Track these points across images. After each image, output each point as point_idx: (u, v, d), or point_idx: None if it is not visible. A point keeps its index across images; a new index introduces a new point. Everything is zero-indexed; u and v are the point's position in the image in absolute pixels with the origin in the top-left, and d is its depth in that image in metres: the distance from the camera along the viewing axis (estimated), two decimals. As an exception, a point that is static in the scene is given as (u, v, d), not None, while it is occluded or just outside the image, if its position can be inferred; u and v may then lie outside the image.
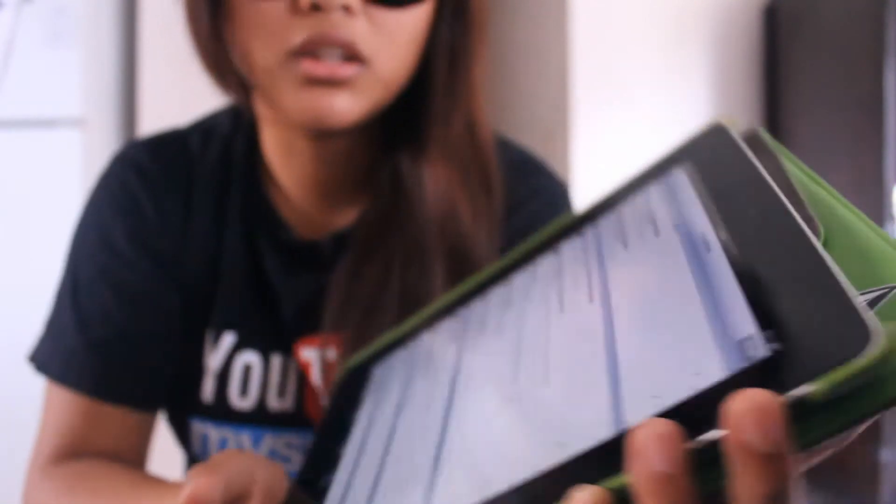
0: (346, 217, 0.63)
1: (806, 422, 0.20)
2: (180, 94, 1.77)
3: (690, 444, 0.21)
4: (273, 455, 0.61)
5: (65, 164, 1.79)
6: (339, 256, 0.61)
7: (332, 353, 0.60)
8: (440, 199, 0.59)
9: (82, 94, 1.82)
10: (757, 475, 0.20)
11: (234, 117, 0.66)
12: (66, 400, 0.59)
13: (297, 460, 0.61)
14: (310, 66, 0.52)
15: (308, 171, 0.61)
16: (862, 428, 0.21)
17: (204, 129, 0.67)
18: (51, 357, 0.61)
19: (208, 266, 0.63)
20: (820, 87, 2.26)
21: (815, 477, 2.43)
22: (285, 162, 0.62)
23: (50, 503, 0.55)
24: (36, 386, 0.63)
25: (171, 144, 0.66)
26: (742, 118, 2.40)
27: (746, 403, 0.20)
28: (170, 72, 1.82)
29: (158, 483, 0.53)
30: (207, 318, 0.63)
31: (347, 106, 0.54)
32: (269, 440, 0.62)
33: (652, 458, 0.20)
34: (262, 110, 0.61)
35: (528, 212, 0.62)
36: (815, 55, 2.28)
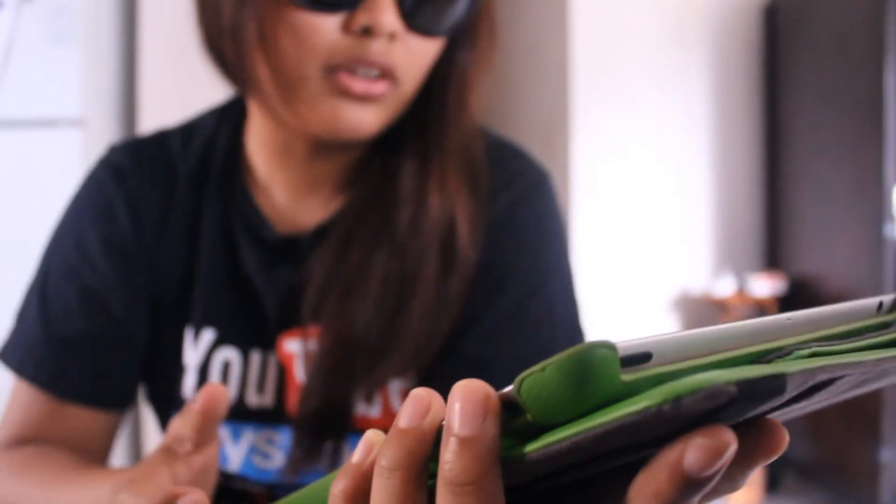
0: (326, 211, 0.64)
1: (528, 433, 0.21)
2: (180, 94, 1.78)
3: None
4: (253, 451, 0.62)
5: (65, 164, 1.79)
6: (318, 249, 0.62)
7: (312, 345, 0.60)
8: (441, 198, 0.60)
9: (82, 94, 1.82)
10: (450, 457, 0.21)
11: (218, 117, 0.68)
12: (26, 391, 0.61)
13: (277, 456, 0.62)
14: (348, 81, 0.55)
15: (302, 168, 0.62)
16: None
17: (186, 129, 0.69)
18: (13, 348, 0.63)
19: (186, 264, 0.64)
20: (820, 87, 2.26)
21: (816, 477, 2.44)
22: (277, 160, 0.63)
23: None
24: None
25: (151, 145, 0.67)
26: (742, 118, 2.40)
27: (459, 387, 0.22)
28: (170, 72, 1.82)
29: (97, 471, 0.54)
30: (186, 315, 0.64)
31: (374, 120, 0.57)
32: (249, 436, 0.62)
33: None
34: (259, 110, 0.61)
35: (507, 197, 0.63)
36: (815, 55, 2.29)
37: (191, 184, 0.65)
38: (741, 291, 2.23)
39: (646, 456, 0.20)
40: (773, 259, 2.38)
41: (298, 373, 0.61)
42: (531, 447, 0.21)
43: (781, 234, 2.36)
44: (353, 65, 0.54)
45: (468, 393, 0.22)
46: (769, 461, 0.22)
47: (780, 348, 0.22)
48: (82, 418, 0.61)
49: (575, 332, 0.62)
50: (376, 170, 0.62)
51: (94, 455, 0.62)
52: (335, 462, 0.60)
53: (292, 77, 0.56)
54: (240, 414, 0.62)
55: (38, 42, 1.81)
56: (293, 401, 0.62)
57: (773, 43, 2.39)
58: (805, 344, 0.23)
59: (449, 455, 0.22)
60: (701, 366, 0.21)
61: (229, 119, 0.68)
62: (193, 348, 0.64)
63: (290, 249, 0.64)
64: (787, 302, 2.23)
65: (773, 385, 0.19)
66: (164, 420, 0.67)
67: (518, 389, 0.21)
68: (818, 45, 2.23)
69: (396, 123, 0.61)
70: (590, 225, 2.04)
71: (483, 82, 0.63)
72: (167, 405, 0.65)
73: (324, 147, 0.62)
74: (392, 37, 0.54)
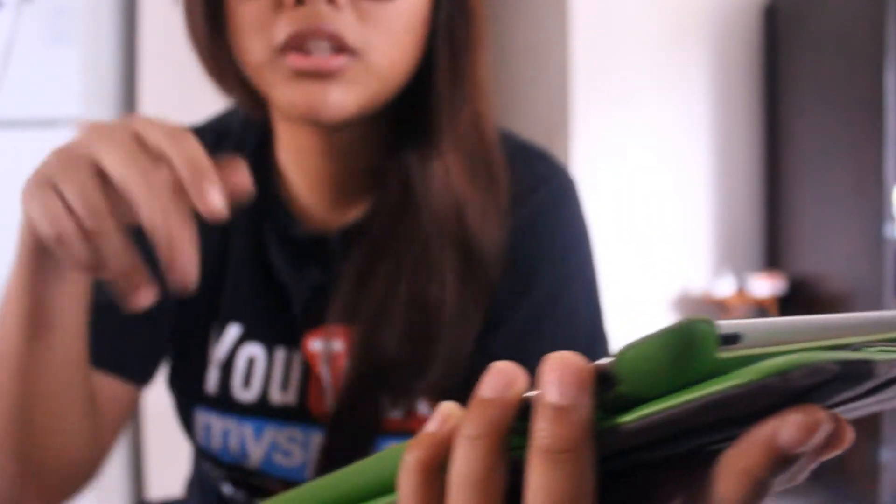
0: (353, 212, 0.63)
1: (621, 405, 0.22)
2: (180, 95, 1.78)
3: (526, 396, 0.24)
4: (274, 448, 0.62)
5: (65, 164, 1.79)
6: (347, 250, 0.61)
7: (338, 345, 0.60)
8: (447, 197, 0.59)
9: (82, 94, 1.82)
10: (545, 426, 0.22)
11: (245, 116, 0.67)
12: None
13: (298, 455, 0.62)
14: (296, 60, 0.52)
15: (317, 166, 0.62)
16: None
17: (216, 129, 0.68)
18: None
19: (216, 259, 0.64)
20: (820, 87, 2.26)
21: (816, 477, 2.43)
22: (295, 158, 0.63)
23: None
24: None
25: None
26: (742, 118, 2.40)
27: (553, 359, 0.22)
28: (170, 72, 1.82)
29: None
30: (213, 309, 0.63)
31: (341, 98, 0.53)
32: (271, 433, 0.62)
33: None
34: (274, 110, 0.61)
35: (533, 202, 0.63)
36: (815, 55, 2.29)
37: None
38: (741, 291, 2.23)
39: (718, 440, 0.21)
40: (773, 259, 2.38)
41: (323, 372, 0.61)
42: (626, 418, 0.22)
43: (781, 234, 2.36)
44: (298, 41, 0.51)
45: (564, 364, 0.22)
46: (832, 456, 0.22)
47: (851, 344, 0.23)
48: (102, 385, 0.61)
49: (596, 337, 0.62)
50: (395, 172, 0.61)
51: (108, 426, 0.62)
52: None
53: (254, 68, 0.55)
54: (263, 411, 0.62)
55: (38, 42, 1.81)
56: (316, 399, 0.62)
57: (773, 43, 2.39)
58: (873, 344, 0.23)
59: (543, 423, 0.22)
60: (786, 352, 0.21)
61: (255, 118, 0.67)
62: (218, 342, 0.63)
63: (318, 249, 0.63)
64: (787, 302, 2.23)
65: (866, 368, 0.20)
66: (184, 413, 0.67)
67: (617, 361, 0.22)
68: (818, 45, 2.23)
69: (406, 118, 0.60)
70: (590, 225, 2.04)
71: (487, 71, 0.61)
72: (189, 398, 0.65)
73: (332, 143, 0.61)
74: (333, 2, 0.51)
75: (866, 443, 2.03)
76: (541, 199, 0.63)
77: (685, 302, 2.27)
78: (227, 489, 0.66)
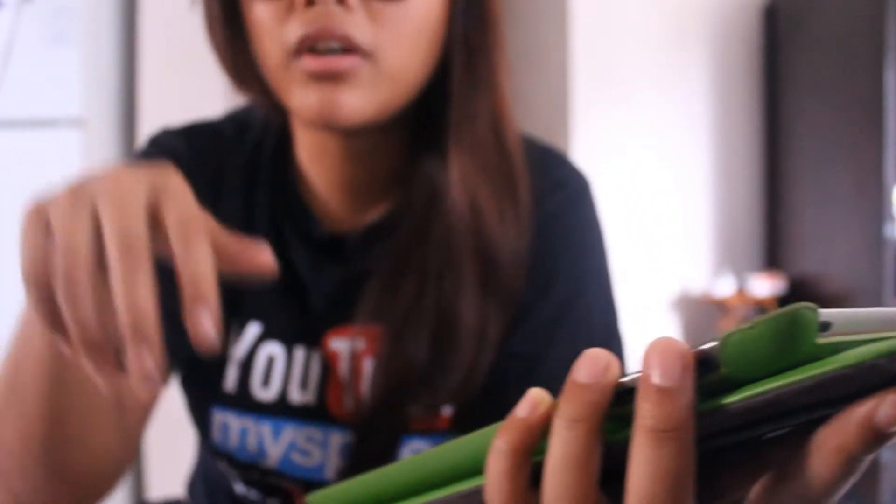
0: (373, 213, 0.63)
1: (722, 388, 0.23)
2: (180, 94, 1.78)
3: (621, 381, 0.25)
4: (293, 447, 0.62)
5: (65, 164, 1.79)
6: (367, 251, 0.62)
7: (360, 344, 0.60)
8: (464, 201, 0.59)
9: (82, 94, 1.82)
10: (650, 407, 0.23)
11: (265, 117, 0.67)
12: None
13: (316, 454, 0.62)
14: (308, 62, 0.52)
15: (337, 169, 0.62)
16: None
17: (239, 121, 0.68)
18: None
19: None
20: (820, 87, 2.26)
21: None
22: (316, 160, 0.63)
23: None
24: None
25: (205, 134, 0.66)
26: (742, 118, 2.40)
27: (657, 343, 0.23)
28: (170, 71, 1.82)
29: None
30: (233, 307, 0.63)
31: (353, 101, 0.53)
32: (290, 432, 0.62)
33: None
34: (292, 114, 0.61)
35: (551, 205, 0.63)
36: (815, 55, 2.29)
37: (241, 179, 0.65)
38: (741, 291, 2.23)
39: (822, 414, 0.23)
40: (773, 259, 2.38)
41: (343, 371, 0.61)
42: (732, 398, 0.23)
43: (781, 234, 2.36)
44: (310, 43, 0.52)
45: (666, 348, 0.23)
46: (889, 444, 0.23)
47: None
48: (127, 386, 0.61)
49: (612, 338, 0.63)
50: (421, 173, 0.61)
51: (134, 425, 0.61)
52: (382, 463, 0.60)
53: (270, 71, 0.55)
54: (282, 410, 0.62)
55: (38, 42, 1.81)
56: (336, 399, 0.62)
57: (773, 43, 2.39)
58: None
59: (649, 405, 0.23)
60: (874, 339, 0.23)
61: (278, 118, 0.67)
62: (238, 341, 0.63)
63: (338, 249, 0.63)
64: (788, 302, 2.23)
65: None
66: (199, 412, 0.66)
67: (723, 345, 0.23)
68: (818, 45, 2.23)
69: (426, 122, 0.60)
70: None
71: (506, 74, 0.61)
72: (206, 396, 0.64)
73: (352, 146, 0.61)
74: (343, 3, 0.51)
75: None
76: (558, 203, 0.63)
77: (685, 302, 2.27)
78: (239, 488, 0.65)
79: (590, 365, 0.25)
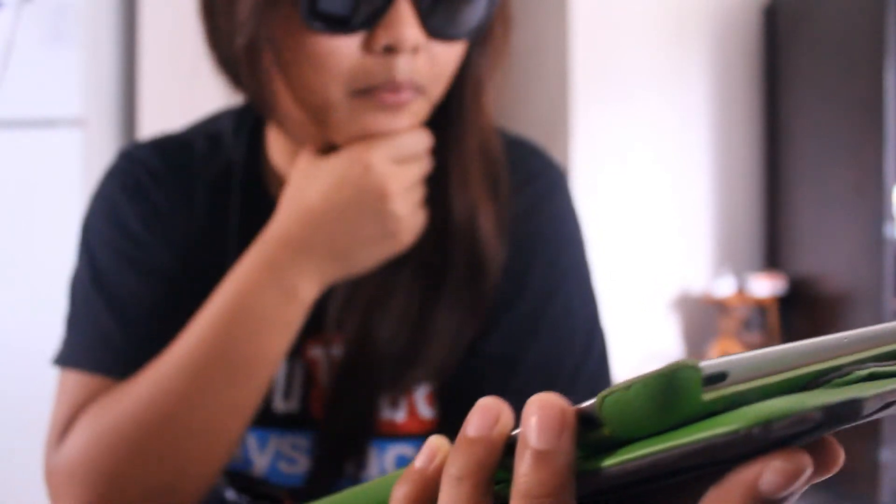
0: None
1: (604, 445, 0.22)
2: (180, 94, 1.77)
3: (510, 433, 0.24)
4: (279, 456, 0.62)
5: (65, 164, 1.79)
6: None
7: (337, 351, 0.60)
8: (464, 210, 0.59)
9: (82, 94, 1.82)
10: (525, 471, 0.22)
11: (237, 119, 0.66)
12: (93, 382, 0.58)
13: (302, 462, 0.61)
14: (387, 98, 0.53)
15: None
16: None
17: (209, 133, 0.67)
18: (85, 350, 0.60)
19: (210, 270, 0.63)
20: (820, 87, 2.26)
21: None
22: (293, 162, 0.62)
23: (93, 427, 0.55)
24: (29, 380, 0.62)
25: (175, 148, 0.66)
26: (742, 118, 2.40)
27: (536, 400, 0.22)
28: (170, 71, 1.82)
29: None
30: None
31: (402, 127, 0.56)
32: (275, 442, 0.62)
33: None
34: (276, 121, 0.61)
35: (524, 198, 0.63)
36: (815, 55, 2.29)
37: (214, 191, 0.64)
38: (741, 291, 2.23)
39: (709, 470, 0.21)
40: (773, 259, 2.38)
41: (323, 378, 0.61)
42: (610, 461, 0.22)
43: (781, 234, 2.36)
44: (384, 90, 0.53)
45: (545, 407, 0.22)
46: (823, 478, 0.23)
47: (838, 367, 0.23)
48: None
49: (594, 330, 0.63)
50: None
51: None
52: (360, 466, 0.60)
53: (317, 103, 0.55)
54: (266, 420, 0.62)
55: (38, 42, 1.81)
56: (318, 406, 0.61)
57: (773, 43, 2.39)
58: (863, 363, 0.23)
59: (525, 468, 0.22)
60: (770, 384, 0.22)
61: (247, 124, 0.67)
62: None
63: None
64: (787, 302, 2.23)
65: (852, 409, 0.20)
66: None
67: (600, 406, 0.22)
68: (818, 45, 2.23)
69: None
70: (589, 225, 2.04)
71: (497, 82, 0.62)
72: None
73: None
74: (415, 50, 0.53)
75: (866, 443, 2.03)
76: (532, 195, 0.63)
77: (685, 302, 2.27)
78: (230, 494, 0.65)
79: (479, 418, 0.24)
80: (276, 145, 0.64)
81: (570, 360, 0.60)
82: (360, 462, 0.59)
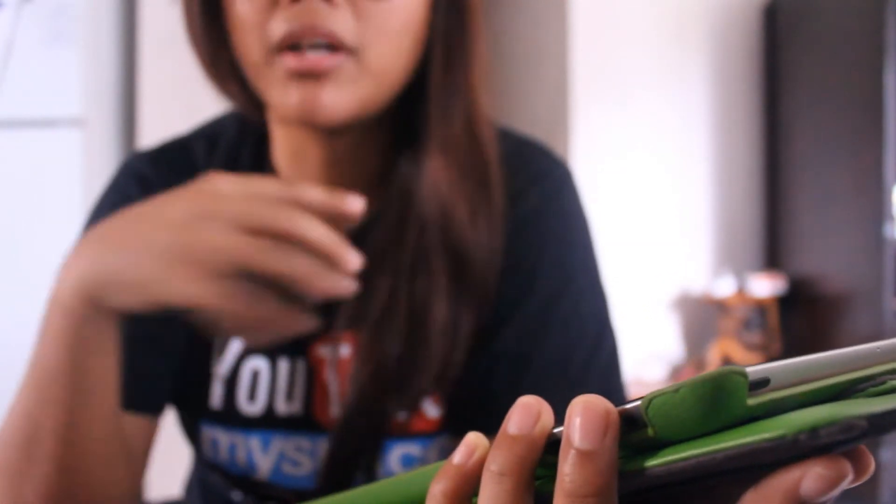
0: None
1: (648, 447, 0.23)
2: (180, 94, 1.77)
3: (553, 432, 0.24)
4: (283, 458, 0.62)
5: (65, 164, 1.79)
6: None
7: (345, 350, 0.60)
8: (434, 200, 0.58)
9: (82, 94, 1.82)
10: (569, 470, 0.22)
11: (241, 122, 0.66)
12: None
13: (307, 464, 0.61)
14: (291, 61, 0.51)
15: (317, 172, 0.61)
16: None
17: (208, 136, 0.67)
18: None
19: None
20: (820, 87, 2.26)
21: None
22: (295, 163, 0.62)
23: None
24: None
25: (174, 154, 0.66)
26: (742, 118, 2.40)
27: (580, 401, 0.22)
28: (170, 71, 1.82)
29: None
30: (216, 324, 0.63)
31: (335, 99, 0.53)
32: (279, 444, 0.61)
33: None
34: (271, 112, 0.61)
35: (531, 198, 0.62)
36: (815, 55, 2.29)
37: None
38: (741, 291, 2.23)
39: (745, 474, 0.22)
40: (773, 259, 2.38)
41: (329, 378, 0.61)
42: (653, 461, 0.22)
43: (781, 234, 2.36)
44: (293, 40, 0.51)
45: (589, 408, 0.22)
46: (854, 486, 0.23)
47: (872, 376, 0.24)
48: (130, 425, 0.60)
49: (604, 328, 0.62)
50: (398, 177, 0.61)
51: (139, 458, 0.61)
52: (372, 468, 0.60)
53: (251, 67, 0.55)
54: (269, 422, 0.61)
55: (38, 42, 1.81)
56: (322, 407, 0.61)
57: (773, 43, 2.39)
58: (894, 373, 0.24)
59: (569, 468, 0.22)
60: (807, 392, 0.22)
61: (251, 125, 0.67)
62: (221, 358, 0.63)
63: None
64: (787, 302, 2.23)
65: (894, 419, 0.20)
66: (189, 427, 0.66)
67: (646, 407, 0.22)
68: (818, 45, 2.23)
69: (405, 123, 0.60)
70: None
71: (483, 74, 0.61)
72: (194, 413, 0.65)
73: (332, 149, 0.61)
74: (329, 0, 0.51)
75: (866, 443, 2.03)
76: (539, 195, 0.63)
77: (685, 302, 2.27)
78: (235, 496, 0.65)
79: (520, 415, 0.24)
80: (279, 147, 0.64)
81: (581, 356, 0.59)
82: (370, 463, 0.59)
